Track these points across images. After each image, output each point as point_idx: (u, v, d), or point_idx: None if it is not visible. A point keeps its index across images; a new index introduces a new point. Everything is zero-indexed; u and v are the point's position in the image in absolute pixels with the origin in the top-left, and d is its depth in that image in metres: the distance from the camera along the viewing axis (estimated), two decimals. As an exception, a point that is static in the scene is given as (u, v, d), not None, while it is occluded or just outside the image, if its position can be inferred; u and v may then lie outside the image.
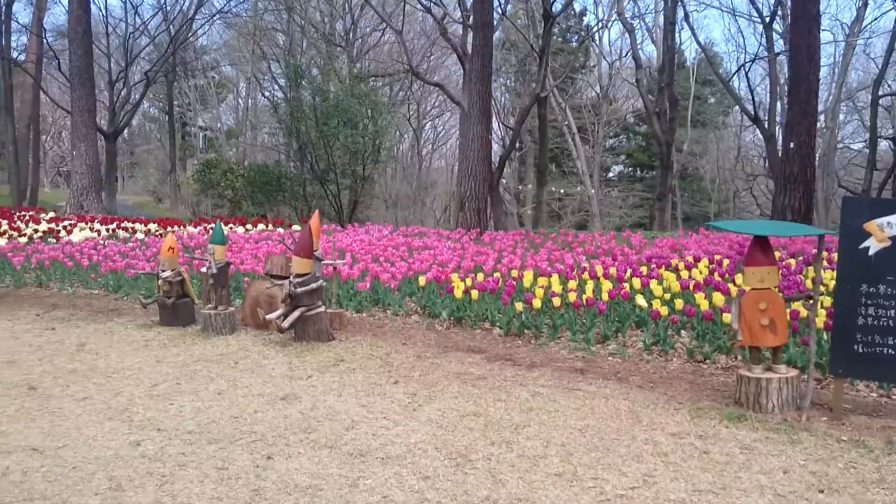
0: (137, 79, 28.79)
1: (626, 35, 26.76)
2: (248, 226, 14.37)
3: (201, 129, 43.94)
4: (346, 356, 5.89)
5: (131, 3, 27.76)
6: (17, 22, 30.12)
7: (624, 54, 30.37)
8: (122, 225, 13.89)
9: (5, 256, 10.43)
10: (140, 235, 12.88)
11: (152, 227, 13.90)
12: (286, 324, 6.18)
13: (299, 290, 6.19)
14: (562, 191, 29.72)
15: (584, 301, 6.18)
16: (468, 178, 13.29)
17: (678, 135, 23.40)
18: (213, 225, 14.00)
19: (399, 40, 19.96)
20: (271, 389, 5.07)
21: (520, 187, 31.36)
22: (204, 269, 7.14)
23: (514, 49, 29.59)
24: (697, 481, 3.59)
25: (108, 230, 13.35)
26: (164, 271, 7.15)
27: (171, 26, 27.16)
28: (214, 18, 29.38)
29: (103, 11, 29.67)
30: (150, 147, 48.15)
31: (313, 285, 6.29)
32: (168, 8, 27.95)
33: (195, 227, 13.93)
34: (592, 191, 25.62)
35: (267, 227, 14.47)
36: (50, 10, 39.61)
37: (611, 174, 37.94)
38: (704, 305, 5.90)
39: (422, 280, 7.48)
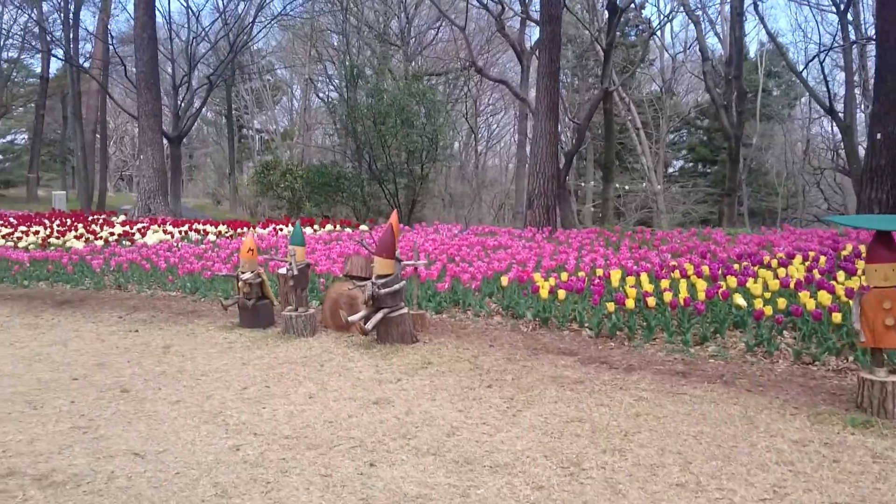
0: (196, 83, 29.26)
1: (687, 28, 26.19)
2: (316, 226, 14.39)
3: (257, 132, 44.54)
4: (432, 359, 5.76)
5: (192, 11, 28.23)
6: (86, 29, 30.98)
7: (688, 47, 29.71)
8: (194, 227, 14.05)
9: (84, 259, 10.61)
10: (212, 237, 12.99)
11: (222, 228, 14.02)
12: (369, 326, 6.07)
13: (383, 291, 6.08)
14: (626, 187, 29.19)
15: (682, 301, 5.92)
16: (536, 176, 13.01)
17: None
18: (281, 226, 14.07)
19: (462, 37, 19.82)
20: (362, 393, 4.96)
21: (581, 184, 30.92)
22: (283, 271, 7.09)
23: (570, 44, 29.21)
24: (833, 493, 3.35)
25: (180, 232, 13.51)
26: (243, 273, 7.11)
27: (230, 32, 27.52)
28: (273, 22, 29.69)
29: (166, 17, 30.20)
30: (208, 150, 49.03)
31: (396, 286, 6.17)
32: (227, 14, 28.33)
33: (264, 228, 14.01)
34: (658, 186, 25.02)
35: (335, 227, 14.47)
36: (114, 17, 40.64)
37: (671, 169, 37.17)
38: (811, 305, 5.60)
39: (504, 280, 7.29)
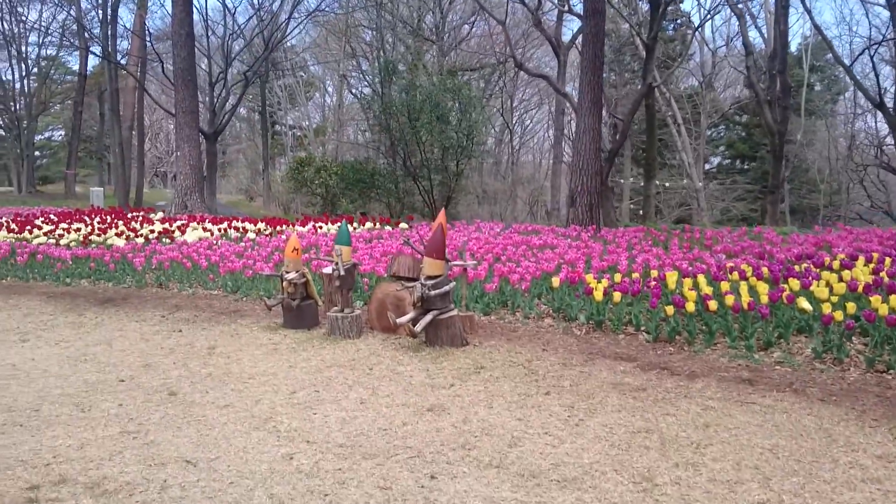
0: (230, 79, 29.34)
1: (729, 22, 25.65)
2: (355, 224, 14.26)
3: (290, 128, 44.68)
4: (484, 363, 5.59)
5: (228, 10, 28.29)
6: (124, 26, 31.25)
7: (730, 40, 29.10)
8: (233, 225, 13.99)
9: (126, 257, 10.59)
10: (251, 235, 12.93)
11: (261, 226, 13.95)
12: (418, 328, 5.92)
13: (433, 292, 5.92)
14: (665, 184, 28.65)
15: (746, 304, 5.68)
16: (579, 173, 12.74)
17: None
18: (321, 224, 13.98)
19: (498, 31, 19.61)
20: (415, 399, 4.81)
21: (620, 181, 30.48)
22: (328, 270, 6.96)
23: (607, 38, 28.78)
24: (929, 517, 3.13)
25: (219, 230, 13.46)
26: (288, 272, 6.99)
27: (265, 29, 27.54)
28: (307, 19, 29.68)
29: (202, 14, 30.35)
30: (241, 146, 49.28)
31: (446, 287, 6.01)
32: (262, 11, 28.36)
33: (303, 225, 13.91)
34: (699, 184, 24.49)
35: (374, 225, 14.32)
36: (151, 14, 41.01)
37: (708, 166, 36.54)
38: (883, 309, 5.32)
39: (555, 281, 7.08)
